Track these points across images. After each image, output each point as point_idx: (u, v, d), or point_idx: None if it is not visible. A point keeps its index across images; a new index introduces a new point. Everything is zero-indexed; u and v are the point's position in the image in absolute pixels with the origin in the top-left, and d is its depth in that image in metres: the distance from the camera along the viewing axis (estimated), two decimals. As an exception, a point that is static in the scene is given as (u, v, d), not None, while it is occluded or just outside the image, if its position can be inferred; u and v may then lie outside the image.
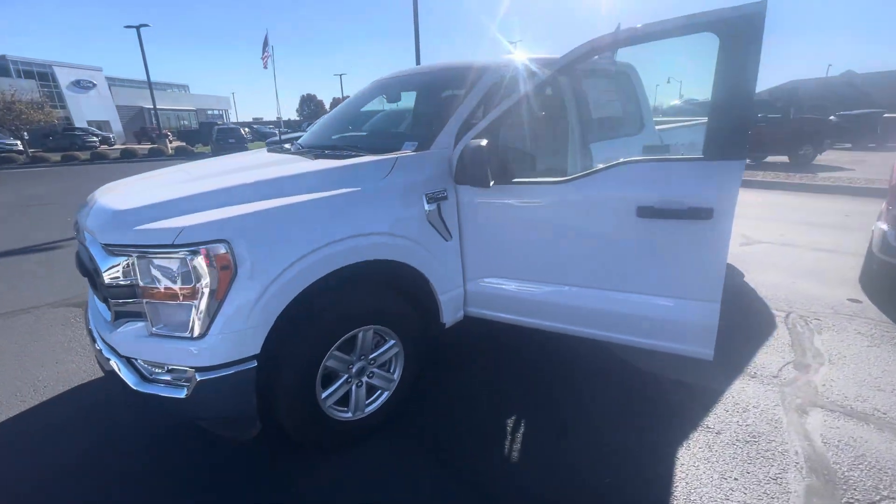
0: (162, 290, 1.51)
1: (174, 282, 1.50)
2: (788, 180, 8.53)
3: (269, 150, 2.75)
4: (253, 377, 1.59)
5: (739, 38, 1.48)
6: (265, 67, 28.38)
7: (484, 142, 1.78)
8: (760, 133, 11.45)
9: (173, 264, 1.49)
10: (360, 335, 1.87)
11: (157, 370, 1.62)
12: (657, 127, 3.61)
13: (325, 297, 1.74)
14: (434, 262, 2.03)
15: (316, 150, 2.39)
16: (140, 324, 1.59)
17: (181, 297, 1.50)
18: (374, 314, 1.88)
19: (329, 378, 1.86)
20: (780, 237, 5.04)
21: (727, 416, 2.11)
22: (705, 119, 4.58)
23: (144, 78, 25.86)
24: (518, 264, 2.07)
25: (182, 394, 1.55)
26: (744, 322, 3.03)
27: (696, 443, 1.95)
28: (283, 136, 19.68)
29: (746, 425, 2.05)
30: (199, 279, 1.47)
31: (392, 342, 2.00)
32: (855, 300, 3.33)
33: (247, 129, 26.74)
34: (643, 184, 1.71)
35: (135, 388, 1.60)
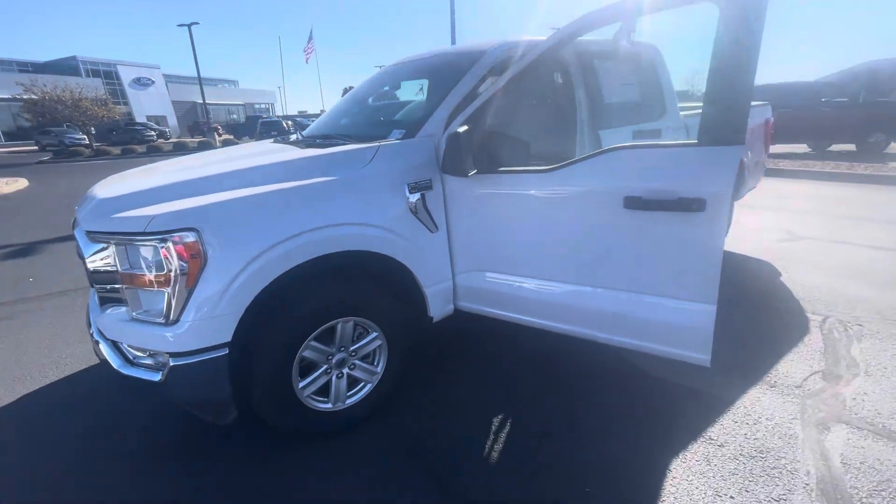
0: (137, 277, 1.55)
1: (147, 268, 1.53)
2: (851, 171, 7.75)
3: (273, 141, 2.77)
4: (225, 364, 1.61)
5: (742, 9, 1.30)
6: (307, 62, 29.15)
7: (463, 129, 1.69)
8: (823, 119, 10.50)
9: (146, 251, 1.52)
10: (339, 326, 1.85)
11: (139, 354, 1.67)
12: (684, 112, 3.35)
13: (298, 288, 1.73)
14: (418, 255, 1.97)
15: (311, 140, 2.39)
16: (123, 309, 1.65)
17: (155, 284, 1.53)
18: (352, 306, 1.85)
19: (309, 368, 1.86)
20: (831, 233, 4.59)
21: (734, 428, 1.93)
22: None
23: (202, 75, 27.18)
24: (506, 258, 1.98)
25: (158, 377, 1.59)
26: (772, 326, 2.78)
27: (693, 454, 1.80)
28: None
29: (755, 439, 1.87)
30: (169, 266, 1.49)
31: (374, 334, 1.97)
32: (908, 305, 2.97)
33: (290, 122, 27.60)
34: (631, 173, 1.56)
35: (118, 370, 1.67)
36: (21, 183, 11.12)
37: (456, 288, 2.17)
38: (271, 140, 2.87)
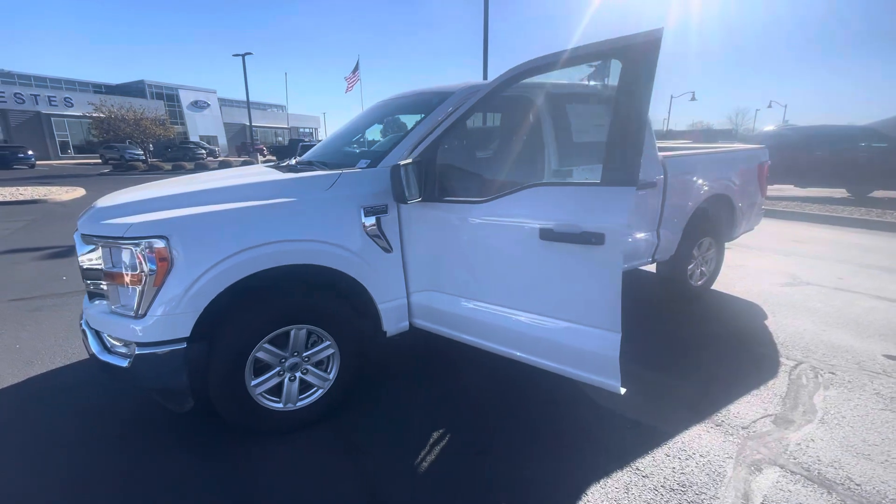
0: (117, 275, 1.81)
1: (124, 268, 1.79)
2: (881, 218, 7.44)
3: (266, 165, 3.06)
4: (182, 356, 1.82)
5: (637, 64, 1.46)
6: (348, 91, 30.72)
7: (405, 161, 1.89)
8: (860, 164, 10.12)
9: (124, 253, 1.78)
10: (293, 333, 2.05)
11: (115, 343, 1.92)
12: (666, 153, 3.45)
13: (255, 294, 1.94)
14: (372, 272, 2.16)
15: (294, 166, 2.66)
16: (105, 303, 1.91)
17: (129, 282, 1.78)
18: (305, 315, 2.04)
19: (264, 368, 2.05)
20: (838, 280, 4.45)
21: (665, 461, 1.96)
22: (731, 146, 4.25)
23: (252, 100, 29.26)
24: (450, 280, 2.13)
25: (125, 363, 1.82)
26: (741, 367, 2.76)
27: (615, 482, 1.84)
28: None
29: (682, 473, 1.89)
30: (141, 267, 1.74)
31: (327, 343, 2.15)
32: (892, 357, 2.87)
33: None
34: (546, 207, 1.70)
35: (97, 355, 1.92)
36: (79, 192, 12.22)
37: (411, 306, 2.33)
38: (265, 164, 3.15)
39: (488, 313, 2.02)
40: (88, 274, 1.91)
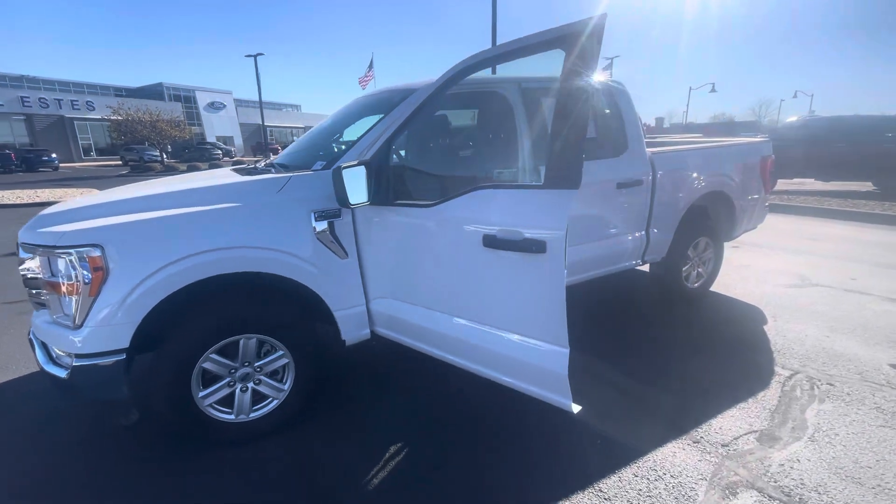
0: (55, 284, 1.76)
1: (61, 277, 1.74)
2: (905, 213, 7.03)
3: (231, 169, 2.94)
4: (121, 368, 1.77)
5: (579, 53, 1.33)
6: (363, 89, 30.81)
7: (350, 163, 1.80)
8: (888, 156, 9.55)
9: (60, 262, 1.73)
10: (242, 342, 1.98)
11: (60, 353, 1.88)
12: (656, 149, 3.27)
13: (198, 303, 1.87)
14: (326, 280, 2.07)
15: (255, 169, 2.59)
16: (47, 313, 1.87)
17: (66, 292, 1.73)
18: (254, 324, 1.97)
19: (215, 379, 1.99)
20: (849, 281, 4.19)
21: (632, 482, 1.82)
22: (736, 139, 4.03)
23: (267, 100, 29.60)
24: (403, 287, 2.03)
25: (64, 374, 1.78)
26: (731, 377, 2.58)
27: (573, 503, 1.72)
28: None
29: (648, 496, 1.75)
30: (76, 277, 1.69)
31: (280, 353, 2.07)
32: (899, 367, 2.66)
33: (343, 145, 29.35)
34: (491, 212, 1.58)
35: (42, 366, 1.88)
36: (93, 193, 12.52)
37: (371, 313, 2.24)
38: (232, 167, 3.04)
39: (442, 323, 1.91)
40: (29, 283, 1.88)
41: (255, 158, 29.86)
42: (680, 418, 2.21)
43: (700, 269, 3.73)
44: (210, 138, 39.64)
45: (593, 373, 2.65)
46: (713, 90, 35.43)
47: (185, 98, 42.09)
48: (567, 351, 1.52)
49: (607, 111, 2.98)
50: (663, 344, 3.01)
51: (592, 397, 2.39)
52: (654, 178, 3.05)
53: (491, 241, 1.55)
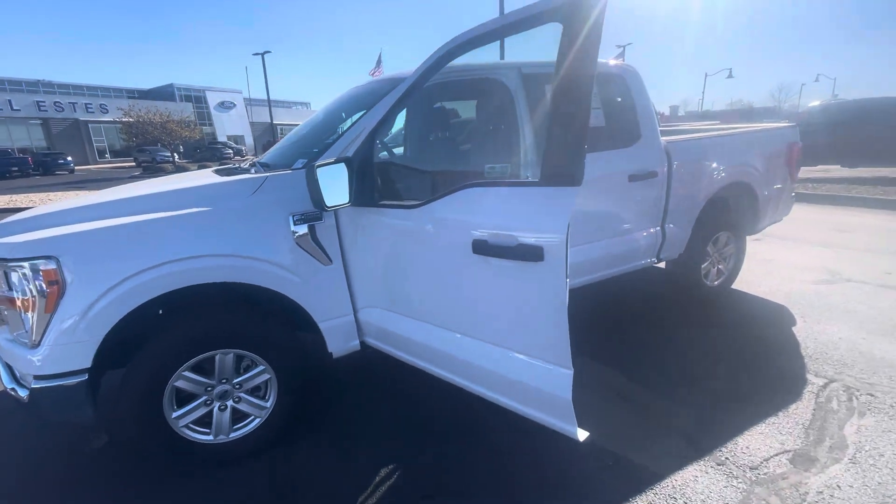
0: (9, 300, 1.62)
1: (15, 292, 1.60)
2: (941, 200, 6.60)
3: (212, 170, 2.76)
4: (84, 389, 1.62)
5: (580, 26, 1.12)
6: (371, 84, 30.60)
7: (325, 161, 1.61)
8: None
9: (14, 276, 1.59)
10: (218, 358, 1.82)
11: (24, 372, 1.74)
12: (672, 138, 3.02)
13: (166, 318, 1.72)
14: (307, 288, 1.90)
15: (235, 169, 2.42)
16: (6, 329, 1.74)
17: (21, 308, 1.59)
18: (230, 337, 1.81)
19: (190, 397, 1.84)
20: (884, 276, 3.88)
21: (647, 513, 1.62)
22: (760, 125, 3.75)
23: (277, 98, 29.59)
24: (392, 295, 1.85)
25: (26, 395, 1.64)
26: (758, 387, 2.35)
27: (581, 542, 1.53)
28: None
29: (667, 531, 1.55)
30: (31, 292, 1.54)
31: (261, 367, 1.92)
32: (949, 374, 2.39)
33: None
34: (480, 213, 1.39)
35: (6, 385, 1.75)
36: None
37: (359, 323, 2.07)
38: (214, 169, 2.84)
39: (433, 336, 1.73)
40: (-14, 298, 1.74)
41: (243, 158, 29.97)
42: (701, 435, 2.00)
43: (720, 266, 3.47)
44: (221, 138, 39.93)
45: (604, 382, 2.44)
46: (730, 76, 34.36)
47: (196, 98, 42.41)
48: (570, 373, 1.32)
49: (617, 97, 2.74)
50: (681, 349, 2.78)
51: (603, 411, 2.19)
52: (670, 169, 2.81)
53: (481, 247, 1.36)
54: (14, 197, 12.12)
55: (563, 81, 1.15)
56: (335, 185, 1.67)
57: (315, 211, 1.86)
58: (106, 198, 1.90)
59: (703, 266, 3.31)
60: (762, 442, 1.95)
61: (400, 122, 2.82)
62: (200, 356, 1.77)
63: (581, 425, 1.39)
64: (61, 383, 1.60)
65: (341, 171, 1.69)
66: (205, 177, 2.22)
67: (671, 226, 2.96)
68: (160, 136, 23.94)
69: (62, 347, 1.57)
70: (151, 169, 23.48)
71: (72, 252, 1.55)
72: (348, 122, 2.08)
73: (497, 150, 2.14)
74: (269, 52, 26.12)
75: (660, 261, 3.05)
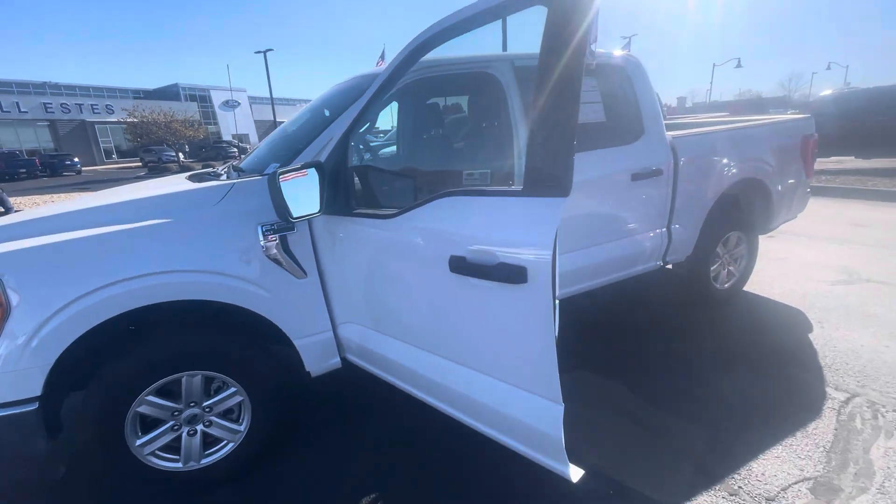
0: (-47, 323, 1.50)
1: (-42, 315, 1.47)
2: (963, 192, 6.31)
3: (187, 176, 2.59)
4: (34, 419, 1.49)
5: (568, 8, 0.95)
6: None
7: (290, 168, 1.46)
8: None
9: (-44, 297, 1.46)
10: (185, 381, 1.69)
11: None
12: (678, 132, 2.83)
13: (125, 340, 1.59)
14: (280, 304, 1.76)
15: (205, 175, 2.28)
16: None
17: (-36, 332, 1.47)
18: (196, 359, 1.67)
19: (157, 422, 1.71)
20: (907, 275, 3.66)
21: (652, 554, 1.46)
22: (772, 117, 3.53)
23: (283, 96, 29.50)
24: (369, 312, 1.70)
25: (-28, 427, 1.52)
26: (772, 402, 2.18)
27: (577, 588, 1.37)
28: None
29: (673, 575, 1.39)
30: (-27, 315, 1.42)
31: (233, 389, 1.78)
32: (984, 387, 2.20)
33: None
34: (458, 226, 1.23)
35: (-42, 413, 1.63)
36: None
37: (340, 340, 1.92)
38: (188, 175, 2.66)
39: (414, 359, 1.58)
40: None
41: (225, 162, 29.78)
42: (711, 459, 1.83)
43: (731, 268, 3.28)
44: (226, 136, 40.03)
45: (604, 396, 2.28)
46: (738, 65, 33.67)
47: (201, 97, 42.53)
48: (561, 408, 1.17)
49: (619, 90, 2.56)
50: (689, 359, 2.60)
51: (603, 429, 2.03)
52: (676, 166, 2.63)
53: (459, 265, 1.20)
54: (19, 199, 12.15)
55: (548, 73, 0.98)
56: (304, 193, 1.52)
57: (284, 221, 1.71)
58: (61, 209, 1.77)
59: (712, 268, 3.13)
60: (779, 468, 1.78)
61: (387, 121, 2.67)
62: (165, 379, 1.64)
63: (578, 445, 1.23)
64: (7, 413, 1.47)
65: (311, 177, 1.54)
66: (174, 184, 2.09)
67: (678, 227, 2.77)
68: (164, 136, 23.95)
69: (7, 374, 1.44)
70: (157, 169, 23.53)
71: (15, 270, 1.42)
72: (323, 123, 1.91)
73: (486, 151, 1.97)
74: (271, 49, 26.03)
75: (666, 264, 2.87)
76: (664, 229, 2.74)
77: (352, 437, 2.09)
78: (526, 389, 1.21)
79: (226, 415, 1.83)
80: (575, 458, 1.27)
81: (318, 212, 1.54)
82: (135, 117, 23.56)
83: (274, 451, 1.97)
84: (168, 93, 41.56)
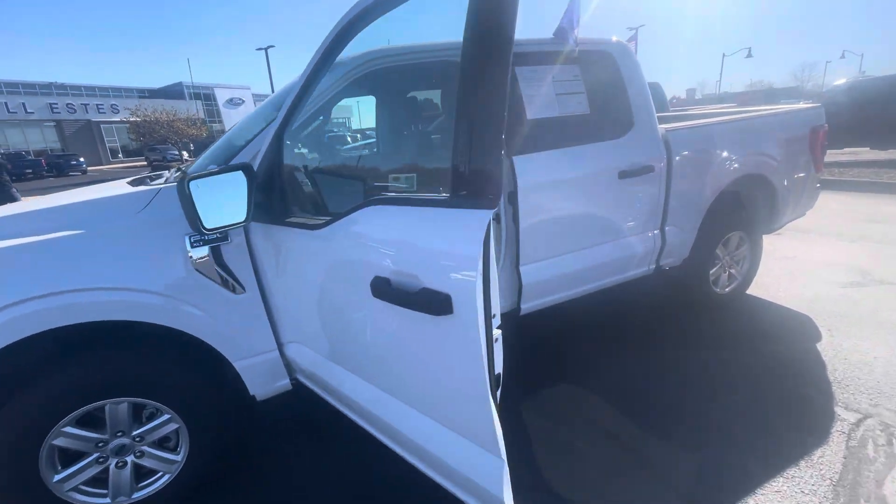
0: None
1: None
2: None
3: (129, 181, 2.39)
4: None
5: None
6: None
7: (207, 171, 1.27)
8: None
9: None
10: (108, 409, 1.52)
11: None
12: (672, 125, 2.60)
13: (33, 366, 1.42)
14: (215, 323, 1.57)
15: (153, 178, 2.11)
16: None
17: None
18: (120, 384, 1.50)
19: (80, 455, 1.54)
20: (925, 276, 3.40)
21: None
22: (777, 107, 3.27)
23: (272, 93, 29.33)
24: (308, 331, 1.51)
25: None
26: (773, 425, 1.96)
27: None
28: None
29: None
30: None
31: (166, 416, 1.61)
32: None
33: (359, 135, 28.97)
34: (383, 240, 1.03)
35: None
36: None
37: (288, 360, 1.74)
38: (128, 180, 2.45)
39: (357, 390, 1.39)
40: None
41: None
42: (702, 492, 1.63)
43: (732, 271, 3.05)
44: (230, 135, 40.06)
45: (589, 416, 2.08)
46: (749, 55, 32.89)
47: (206, 96, 42.57)
48: (503, 463, 0.97)
49: (605, 79, 2.33)
50: (682, 372, 2.39)
51: (585, 455, 1.83)
52: (670, 161, 2.40)
53: (382, 290, 1.01)
54: (23, 199, 12.16)
55: (472, 65, 0.78)
56: (227, 200, 1.33)
57: (218, 229, 1.53)
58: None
59: (711, 272, 2.90)
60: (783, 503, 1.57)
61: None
62: (85, 408, 1.47)
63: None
64: None
65: (237, 181, 1.35)
66: (106, 189, 1.91)
67: (672, 228, 2.55)
68: (167, 135, 23.98)
69: None
70: (162, 167, 23.56)
71: None
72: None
73: (419, 150, 1.77)
74: (272, 46, 25.87)
75: (659, 268, 2.65)
76: (657, 231, 2.51)
77: (306, 464, 1.92)
78: (464, 436, 1.02)
79: (161, 444, 1.66)
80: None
81: (244, 221, 1.35)
82: (137, 116, 23.58)
83: (217, 483, 1.80)
84: (172, 91, 41.68)
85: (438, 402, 1.06)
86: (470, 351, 0.87)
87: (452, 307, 0.86)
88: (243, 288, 1.59)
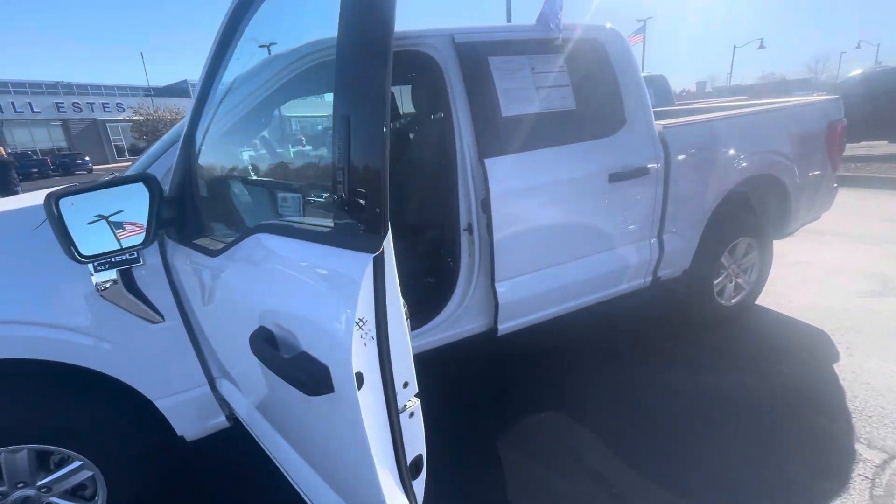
0: None
1: None
2: None
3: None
4: None
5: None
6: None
7: (75, 187, 1.05)
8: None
9: None
10: (4, 458, 1.31)
11: None
12: (669, 122, 2.34)
13: None
14: (127, 357, 1.36)
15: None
16: None
17: None
18: (14, 431, 1.30)
19: (-24, 509, 1.34)
20: (954, 284, 3.10)
21: None
22: (790, 100, 2.99)
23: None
24: (226, 365, 1.29)
25: None
26: (783, 467, 1.71)
27: None
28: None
29: None
30: None
31: (78, 463, 1.40)
32: None
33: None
34: (268, 280, 0.80)
35: None
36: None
37: (222, 395, 1.52)
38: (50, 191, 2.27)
39: (271, 439, 1.17)
40: None
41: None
42: (700, 556, 1.39)
43: (739, 280, 2.78)
44: (235, 132, 40.05)
45: (573, 452, 1.84)
46: (761, 46, 32.05)
47: (210, 94, 42.62)
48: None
49: (593, 71, 2.08)
50: (678, 399, 2.14)
51: (557, 493, 1.60)
52: (668, 162, 2.15)
53: (259, 347, 0.77)
54: (18, 201, 12.14)
55: (349, 68, 0.55)
56: (123, 218, 1.11)
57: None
58: None
59: (716, 282, 2.64)
60: (790, 573, 1.32)
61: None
62: (-27, 458, 1.27)
63: None
64: None
65: (135, 195, 1.13)
66: (25, 200, 1.71)
67: (671, 235, 2.30)
68: (170, 134, 24.03)
69: None
70: (164, 166, 23.59)
71: None
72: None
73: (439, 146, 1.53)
74: (275, 43, 25.68)
75: (657, 280, 2.39)
76: (654, 239, 2.26)
77: (253, 507, 1.70)
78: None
79: (75, 493, 1.45)
80: None
81: (142, 244, 1.13)
82: (140, 115, 23.58)
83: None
84: (177, 90, 41.73)
85: (343, 481, 0.83)
86: (355, 434, 0.63)
87: (332, 383, 0.63)
88: (162, 317, 1.37)
